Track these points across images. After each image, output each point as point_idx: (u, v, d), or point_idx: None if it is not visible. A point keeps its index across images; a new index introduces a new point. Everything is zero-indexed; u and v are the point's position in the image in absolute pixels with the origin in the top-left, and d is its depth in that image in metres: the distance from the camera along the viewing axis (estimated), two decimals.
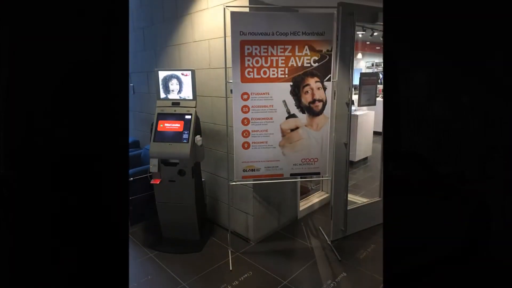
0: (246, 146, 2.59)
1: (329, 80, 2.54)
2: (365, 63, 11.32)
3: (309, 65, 2.49)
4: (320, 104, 2.57)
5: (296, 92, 2.53)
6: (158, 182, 2.78)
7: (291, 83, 2.51)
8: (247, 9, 2.56)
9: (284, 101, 2.53)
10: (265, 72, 2.46)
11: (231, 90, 2.51)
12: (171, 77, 2.80)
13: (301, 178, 3.07)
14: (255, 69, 2.45)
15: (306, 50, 2.46)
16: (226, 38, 2.44)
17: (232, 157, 2.64)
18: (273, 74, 2.47)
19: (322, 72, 2.52)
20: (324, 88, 2.55)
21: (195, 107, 2.80)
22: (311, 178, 3.34)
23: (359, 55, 10.07)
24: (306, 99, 2.55)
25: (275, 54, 2.44)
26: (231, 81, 2.48)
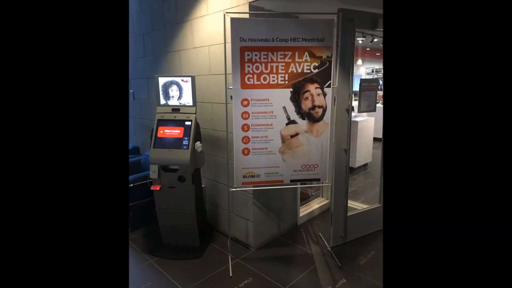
0: (246, 152, 2.59)
1: (329, 86, 2.55)
2: (365, 69, 11.38)
3: (309, 71, 2.50)
4: (320, 110, 2.58)
5: (296, 98, 2.53)
6: (158, 188, 2.77)
7: (291, 89, 2.51)
8: (247, 16, 2.57)
9: (284, 107, 2.54)
10: (265, 78, 2.47)
11: (231, 96, 2.51)
12: (171, 83, 2.80)
13: (301, 184, 3.07)
14: (255, 75, 2.46)
15: (306, 56, 2.47)
16: (226, 44, 2.45)
17: (232, 163, 2.64)
18: (273, 80, 2.48)
19: (322, 78, 2.53)
20: (324, 94, 2.56)
21: (195, 113, 2.81)
22: (311, 184, 3.33)
23: (359, 61, 10.12)
24: (306, 105, 2.55)
25: (275, 60, 2.45)
26: (231, 87, 2.48)
